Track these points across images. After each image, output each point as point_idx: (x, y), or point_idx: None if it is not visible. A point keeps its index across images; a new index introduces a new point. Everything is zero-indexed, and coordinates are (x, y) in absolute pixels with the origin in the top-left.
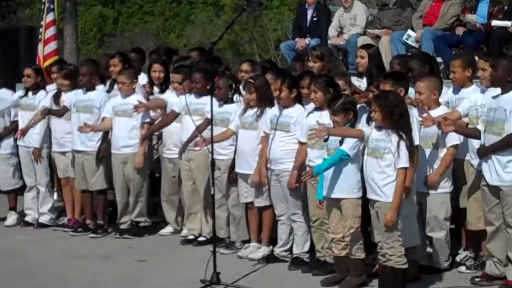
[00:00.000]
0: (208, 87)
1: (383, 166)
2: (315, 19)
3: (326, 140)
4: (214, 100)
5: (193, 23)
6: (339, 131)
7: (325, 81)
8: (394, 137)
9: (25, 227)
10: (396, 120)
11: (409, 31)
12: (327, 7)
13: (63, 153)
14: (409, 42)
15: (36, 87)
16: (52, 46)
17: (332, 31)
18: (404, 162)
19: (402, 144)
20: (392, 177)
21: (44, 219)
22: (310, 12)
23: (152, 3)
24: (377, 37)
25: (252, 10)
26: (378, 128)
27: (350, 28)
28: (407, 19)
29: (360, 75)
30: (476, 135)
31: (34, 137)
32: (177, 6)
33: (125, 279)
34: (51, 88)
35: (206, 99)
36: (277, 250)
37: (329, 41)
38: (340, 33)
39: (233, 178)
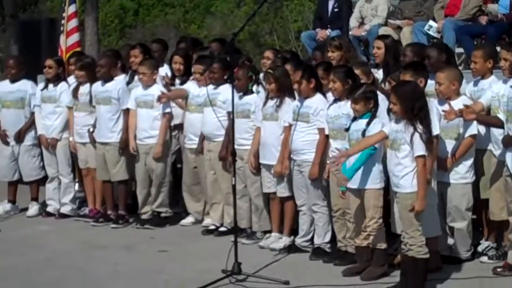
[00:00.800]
0: (225, 77)
1: (400, 158)
2: (336, 9)
3: (347, 129)
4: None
5: (214, 15)
6: (359, 147)
7: (344, 72)
8: (410, 128)
9: (46, 218)
10: (416, 113)
11: (431, 22)
12: None
13: (84, 144)
14: (430, 32)
15: (57, 79)
16: (75, 38)
17: (353, 21)
18: (419, 150)
19: (417, 134)
20: (409, 168)
21: (66, 209)
22: (331, 3)
23: None
24: (399, 28)
25: (273, 1)
26: (397, 120)
27: (371, 19)
28: (428, 9)
29: (376, 66)
30: (499, 123)
31: (54, 127)
32: None
33: (146, 269)
34: (72, 80)
35: (223, 89)
36: (298, 241)
37: (350, 32)
38: (361, 24)
39: (255, 167)
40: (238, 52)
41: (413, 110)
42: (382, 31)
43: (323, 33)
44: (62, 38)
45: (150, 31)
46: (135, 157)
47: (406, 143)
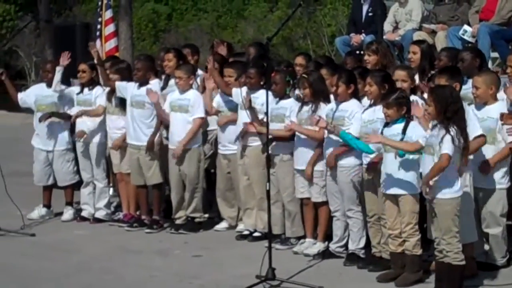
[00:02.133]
0: (262, 83)
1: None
2: (370, 14)
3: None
4: (271, 95)
5: (247, 19)
6: (395, 143)
7: (382, 76)
8: (443, 131)
9: (81, 222)
10: (449, 116)
11: (466, 26)
12: (382, 2)
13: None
14: (465, 37)
15: (91, 83)
16: (112, 43)
17: (387, 26)
18: (447, 149)
19: (448, 136)
20: (445, 172)
21: (100, 214)
22: (365, 7)
23: (206, 0)
24: (433, 32)
25: (307, 5)
26: (434, 125)
27: (406, 24)
28: (463, 14)
29: None
30: None
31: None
32: (230, 2)
33: (181, 275)
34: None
35: (260, 93)
36: (333, 246)
37: (384, 37)
38: (395, 28)
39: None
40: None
41: (447, 113)
42: (416, 35)
43: (357, 38)
44: (98, 42)
45: (183, 35)
46: (168, 161)
47: (438, 146)
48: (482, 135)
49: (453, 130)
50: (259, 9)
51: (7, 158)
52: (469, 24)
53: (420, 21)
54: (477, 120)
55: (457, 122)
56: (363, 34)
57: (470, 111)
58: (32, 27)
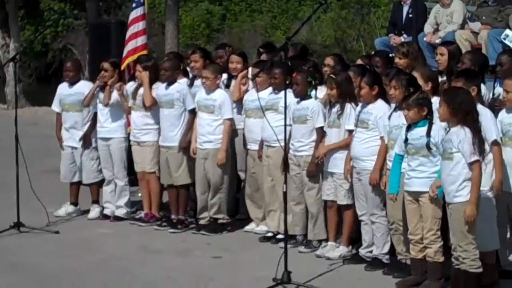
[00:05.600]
0: (287, 82)
1: (452, 167)
2: (410, 15)
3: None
4: (292, 96)
5: (301, 20)
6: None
7: (407, 79)
8: (458, 134)
9: (104, 220)
10: (461, 117)
11: (507, 31)
12: (423, 3)
13: (139, 144)
14: (506, 42)
15: (114, 81)
16: (141, 40)
17: (428, 27)
18: (471, 155)
19: (466, 140)
20: (462, 177)
21: (120, 212)
22: (405, 9)
23: (260, 1)
24: (474, 33)
25: (360, 7)
26: (446, 128)
27: (446, 25)
28: (508, 15)
29: (440, 73)
30: None
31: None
32: (285, 3)
33: (197, 276)
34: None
35: (283, 94)
36: (362, 251)
37: (424, 38)
38: (436, 30)
39: (311, 173)
40: (304, 57)
41: (457, 114)
42: (459, 35)
43: (397, 39)
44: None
45: (237, 36)
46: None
47: (457, 151)
48: (496, 142)
49: (468, 133)
50: (313, 10)
51: (45, 154)
52: (510, 29)
53: (462, 23)
54: (494, 124)
55: (470, 123)
56: (404, 35)
57: (488, 114)
58: (85, 25)
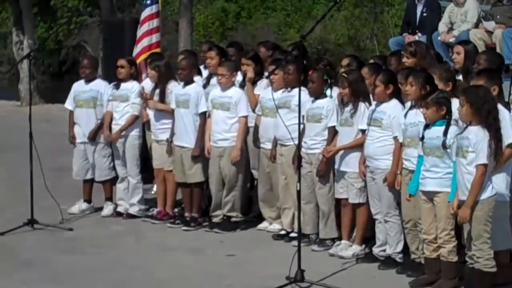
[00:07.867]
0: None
1: (466, 165)
2: (424, 14)
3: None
4: (307, 95)
5: (314, 19)
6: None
7: (424, 77)
8: (477, 134)
9: (117, 218)
10: (484, 116)
11: None
12: (437, 2)
13: (157, 142)
14: None
15: (129, 78)
16: (154, 38)
17: (442, 26)
18: (482, 158)
19: (484, 141)
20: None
21: (134, 210)
22: (419, 8)
23: None
24: (488, 32)
25: (374, 6)
26: (464, 127)
27: (461, 24)
28: None
29: (456, 71)
30: None
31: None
32: (299, 1)
33: (211, 274)
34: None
35: (296, 92)
36: (376, 250)
37: (438, 38)
38: (450, 29)
39: (321, 172)
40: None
41: (481, 114)
42: (472, 34)
43: (411, 38)
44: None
45: (250, 34)
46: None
47: (472, 150)
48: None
49: (487, 134)
50: (327, 9)
51: (59, 151)
52: None
53: (476, 22)
54: (510, 128)
55: (491, 123)
56: (419, 34)
57: (507, 116)
58: (99, 22)
